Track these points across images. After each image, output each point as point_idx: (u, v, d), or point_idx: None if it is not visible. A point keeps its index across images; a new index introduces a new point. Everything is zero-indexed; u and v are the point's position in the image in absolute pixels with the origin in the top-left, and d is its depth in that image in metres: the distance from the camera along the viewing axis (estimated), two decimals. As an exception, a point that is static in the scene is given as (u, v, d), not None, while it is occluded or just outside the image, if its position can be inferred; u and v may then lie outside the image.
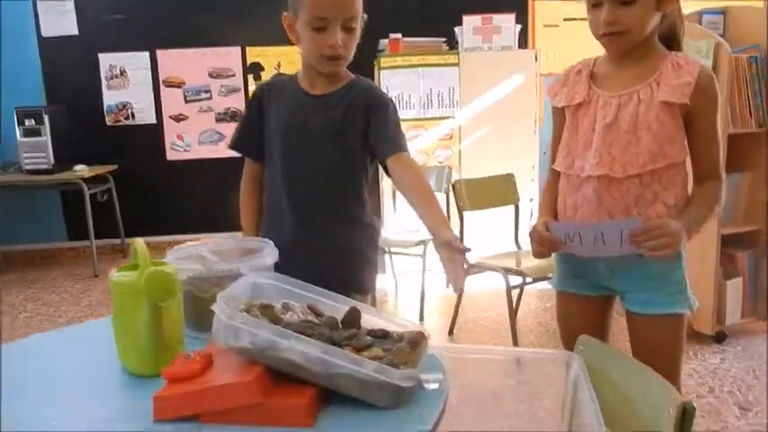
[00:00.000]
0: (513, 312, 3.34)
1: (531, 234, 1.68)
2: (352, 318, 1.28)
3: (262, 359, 1.10)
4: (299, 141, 1.74)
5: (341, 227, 1.75)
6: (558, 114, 1.76)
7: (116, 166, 5.53)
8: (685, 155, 1.58)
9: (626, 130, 1.56)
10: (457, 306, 3.68)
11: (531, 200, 4.92)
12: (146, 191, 5.68)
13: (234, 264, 1.39)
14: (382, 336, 1.23)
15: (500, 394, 1.62)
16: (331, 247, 1.74)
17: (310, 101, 1.76)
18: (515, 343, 3.37)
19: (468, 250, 1.47)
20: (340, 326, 1.25)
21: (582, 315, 1.76)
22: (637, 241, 1.50)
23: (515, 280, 3.28)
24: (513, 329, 3.34)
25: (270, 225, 1.82)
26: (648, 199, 1.57)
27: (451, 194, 3.67)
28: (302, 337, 1.10)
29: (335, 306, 1.31)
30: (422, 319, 3.88)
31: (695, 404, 2.65)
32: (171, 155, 5.72)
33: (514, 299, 3.49)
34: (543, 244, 1.65)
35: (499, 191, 3.71)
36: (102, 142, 5.59)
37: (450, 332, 3.67)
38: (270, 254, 1.47)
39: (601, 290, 1.73)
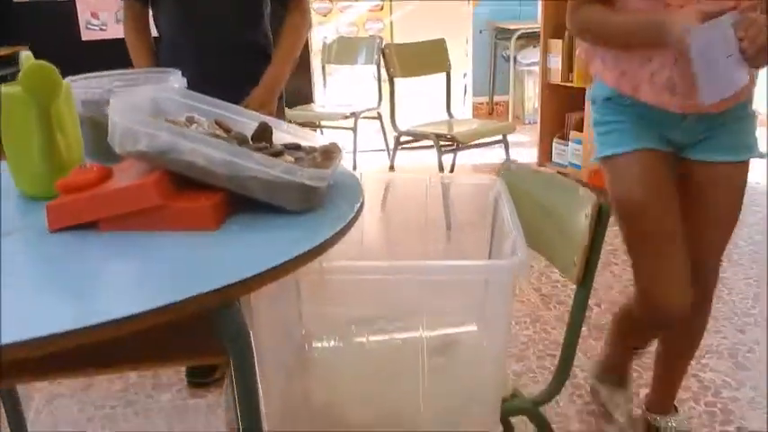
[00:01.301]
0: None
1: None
2: (264, 133, 1.21)
3: (162, 163, 1.03)
4: None
5: (245, 58, 1.69)
6: None
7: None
8: None
9: None
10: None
11: (464, 75, 4.86)
12: (60, 73, 5.34)
13: (138, 85, 1.30)
14: (294, 148, 1.18)
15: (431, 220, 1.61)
16: (236, 76, 1.67)
17: None
18: (447, 216, 3.39)
19: None
20: (250, 141, 1.19)
21: (668, 172, 1.49)
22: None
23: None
24: (446, 199, 3.34)
25: (167, 64, 1.72)
26: None
27: (382, 65, 3.56)
28: (207, 138, 1.03)
29: (246, 122, 1.24)
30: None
31: (620, 259, 2.80)
32: (86, 34, 5.36)
33: (447, 168, 3.48)
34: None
35: (430, 57, 3.62)
36: (10, 21, 5.19)
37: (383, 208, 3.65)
38: (177, 80, 1.38)
39: (669, 145, 1.50)
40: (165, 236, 0.98)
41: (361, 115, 4.01)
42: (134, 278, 0.90)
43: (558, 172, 3.53)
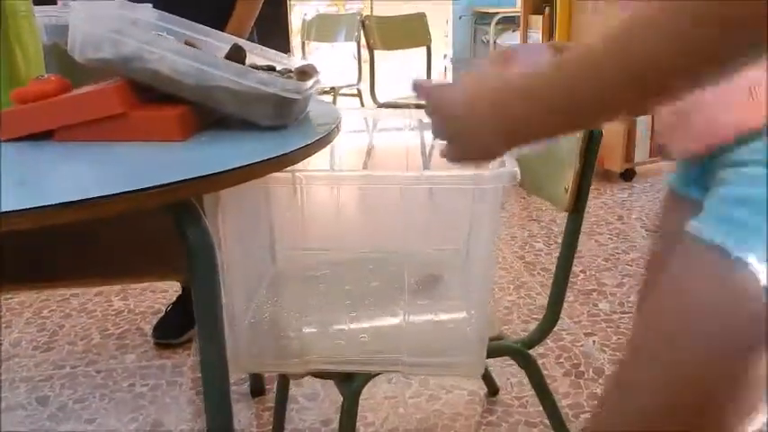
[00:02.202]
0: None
1: None
2: (236, 55, 1.14)
3: (126, 72, 0.96)
4: None
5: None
6: None
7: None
8: None
9: None
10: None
11: (444, 56, 4.82)
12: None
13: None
14: (269, 70, 1.11)
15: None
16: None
17: None
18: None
19: None
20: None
21: None
22: None
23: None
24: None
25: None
26: None
27: (363, 44, 3.50)
28: (175, 45, 0.96)
29: (217, 45, 1.17)
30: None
31: (605, 229, 2.78)
32: None
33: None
34: None
35: (411, 31, 3.57)
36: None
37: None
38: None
39: None
40: (126, 145, 0.91)
41: (341, 91, 3.94)
42: (95, 173, 0.83)
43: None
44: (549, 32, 3.73)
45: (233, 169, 0.79)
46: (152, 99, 0.99)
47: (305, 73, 1.11)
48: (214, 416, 0.89)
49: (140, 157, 0.87)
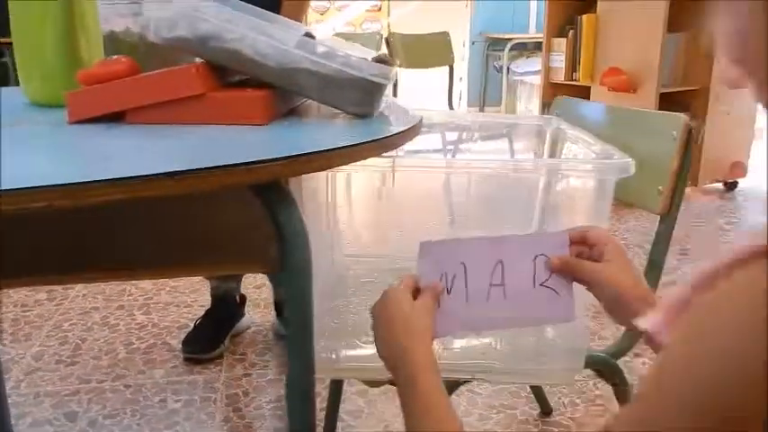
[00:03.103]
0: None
1: None
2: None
3: (204, 52, 0.90)
4: None
5: None
6: None
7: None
8: None
9: None
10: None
11: (460, 79, 4.80)
12: None
13: None
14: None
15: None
16: None
17: None
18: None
19: None
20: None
21: None
22: None
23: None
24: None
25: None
26: None
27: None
28: (256, 23, 0.91)
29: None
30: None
31: None
32: None
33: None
34: None
35: (435, 50, 3.54)
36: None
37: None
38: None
39: None
40: (205, 127, 0.85)
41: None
42: (180, 151, 0.76)
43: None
44: (572, 56, 3.70)
45: (337, 148, 0.72)
46: (230, 83, 0.93)
47: (383, 62, 1.05)
48: (295, 420, 0.81)
49: (223, 138, 0.80)
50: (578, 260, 0.77)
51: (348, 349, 1.10)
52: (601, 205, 0.90)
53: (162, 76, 0.87)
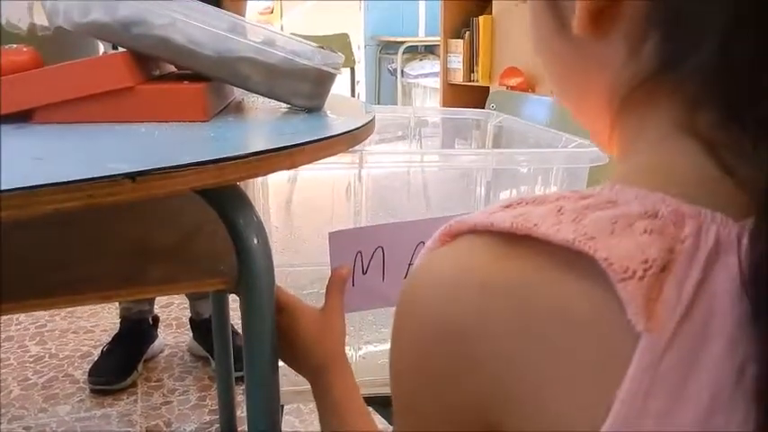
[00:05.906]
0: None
1: None
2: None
3: (126, 40, 0.78)
4: None
5: None
6: None
7: None
8: None
9: None
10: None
11: (357, 82, 4.76)
12: None
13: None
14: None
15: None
16: None
17: None
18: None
19: None
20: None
21: None
22: None
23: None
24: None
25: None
26: None
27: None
28: (188, 6, 0.80)
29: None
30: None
31: None
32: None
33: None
34: None
35: (334, 52, 3.47)
36: None
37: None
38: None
39: None
40: (132, 126, 0.73)
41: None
42: (113, 152, 0.64)
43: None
44: (470, 58, 3.74)
45: (299, 144, 0.63)
46: (160, 76, 0.82)
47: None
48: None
49: (160, 136, 0.69)
50: None
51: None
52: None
53: (82, 66, 0.75)
